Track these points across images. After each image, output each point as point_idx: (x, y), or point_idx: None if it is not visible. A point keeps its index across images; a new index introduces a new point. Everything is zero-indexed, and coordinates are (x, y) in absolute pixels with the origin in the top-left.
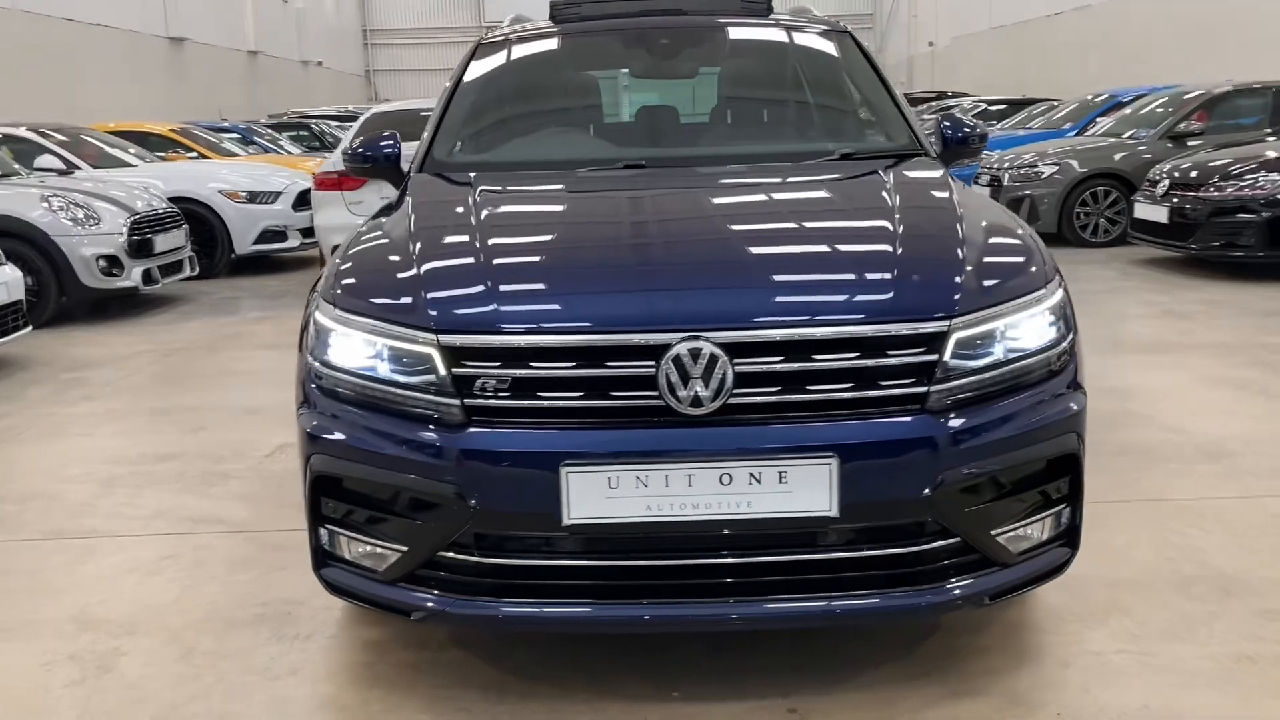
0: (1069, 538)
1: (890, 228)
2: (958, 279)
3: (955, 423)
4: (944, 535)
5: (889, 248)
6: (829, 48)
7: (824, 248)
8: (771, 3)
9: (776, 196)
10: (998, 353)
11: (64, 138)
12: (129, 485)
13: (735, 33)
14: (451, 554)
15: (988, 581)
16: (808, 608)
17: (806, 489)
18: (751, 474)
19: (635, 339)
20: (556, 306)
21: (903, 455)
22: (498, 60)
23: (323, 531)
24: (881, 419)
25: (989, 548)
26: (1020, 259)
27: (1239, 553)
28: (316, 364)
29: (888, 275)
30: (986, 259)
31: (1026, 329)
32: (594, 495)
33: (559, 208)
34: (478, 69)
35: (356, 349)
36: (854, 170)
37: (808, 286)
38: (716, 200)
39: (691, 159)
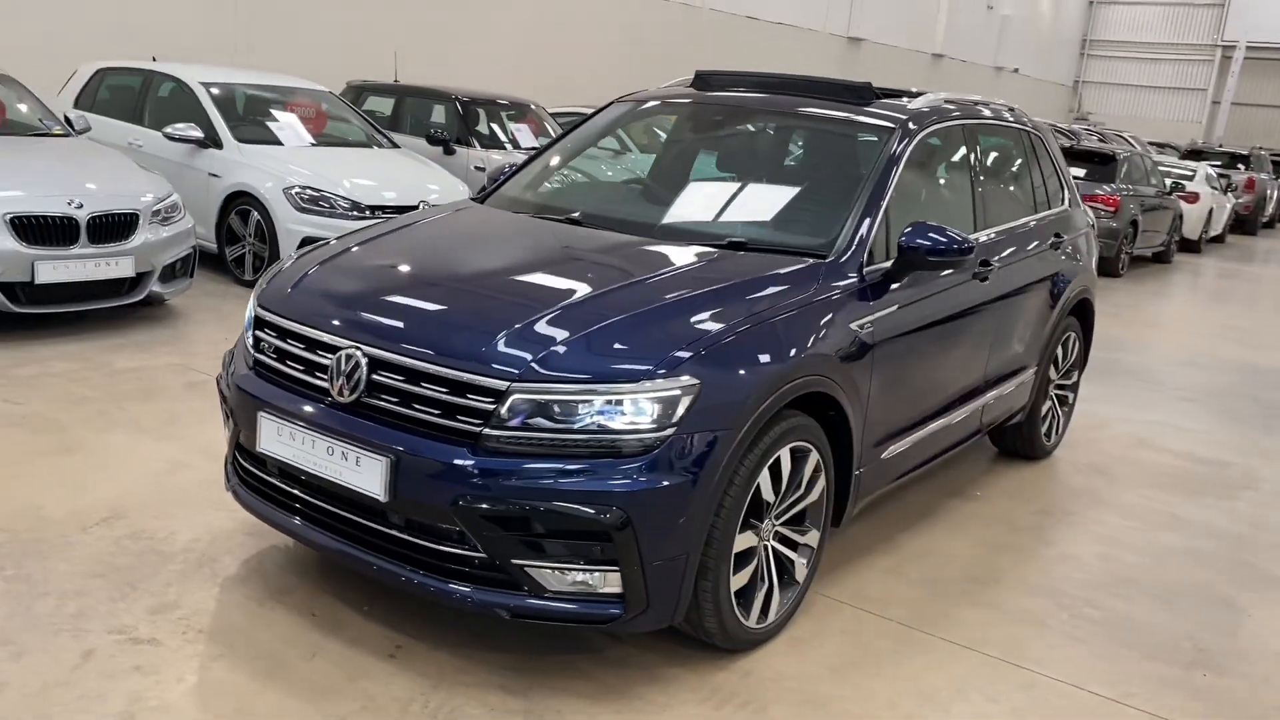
0: (621, 600)
1: (552, 300)
2: (542, 351)
3: (488, 462)
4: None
5: (524, 315)
6: (854, 143)
7: (488, 302)
8: (872, 87)
9: (563, 261)
10: (563, 420)
11: None
12: None
13: (791, 121)
14: (237, 453)
15: (511, 600)
16: (383, 566)
17: (370, 474)
18: (343, 452)
19: (326, 337)
20: (303, 302)
21: (435, 472)
22: (610, 117)
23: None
24: (438, 440)
25: (514, 573)
26: (640, 352)
27: None
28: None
29: (494, 334)
30: (603, 343)
31: (606, 409)
32: (272, 436)
33: (436, 238)
34: (592, 122)
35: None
36: (682, 256)
37: (437, 328)
38: (524, 256)
39: (627, 225)
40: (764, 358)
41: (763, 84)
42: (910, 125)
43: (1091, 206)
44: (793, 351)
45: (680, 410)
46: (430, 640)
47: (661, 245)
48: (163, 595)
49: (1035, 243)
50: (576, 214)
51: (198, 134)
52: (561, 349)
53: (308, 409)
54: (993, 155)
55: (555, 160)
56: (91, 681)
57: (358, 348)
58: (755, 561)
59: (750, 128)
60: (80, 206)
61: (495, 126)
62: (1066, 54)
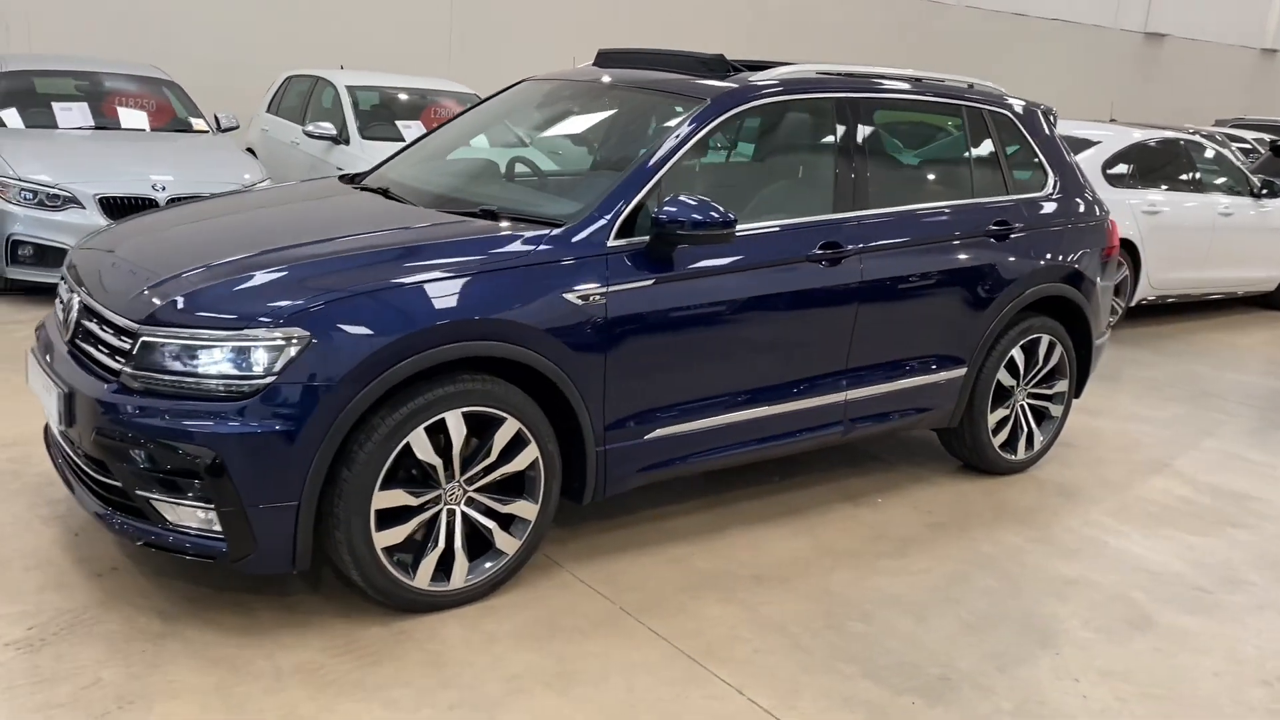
0: (225, 539)
1: (221, 255)
2: (172, 298)
3: (119, 398)
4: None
5: (180, 266)
6: (666, 117)
7: (168, 255)
8: (725, 60)
9: (292, 224)
10: (181, 363)
11: None
12: None
13: (628, 97)
14: None
15: (144, 529)
16: (75, 491)
17: (52, 404)
18: (47, 384)
19: (70, 284)
20: (80, 255)
21: (85, 405)
22: (504, 98)
23: None
24: (94, 377)
25: (141, 505)
26: (258, 304)
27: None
28: None
29: (143, 283)
30: (228, 295)
31: (217, 356)
32: (34, 374)
33: (226, 208)
34: (483, 105)
35: None
36: (412, 220)
37: (113, 277)
38: (268, 221)
39: (419, 195)
40: (402, 317)
41: (647, 61)
42: (720, 99)
43: None
44: (446, 314)
45: (283, 361)
46: (150, 568)
47: (414, 211)
48: None
49: (950, 230)
50: (387, 187)
51: (331, 131)
52: (188, 298)
53: (44, 346)
54: (894, 133)
55: (436, 139)
56: None
57: (75, 293)
58: (419, 522)
59: (593, 104)
60: (163, 189)
61: None
62: None
